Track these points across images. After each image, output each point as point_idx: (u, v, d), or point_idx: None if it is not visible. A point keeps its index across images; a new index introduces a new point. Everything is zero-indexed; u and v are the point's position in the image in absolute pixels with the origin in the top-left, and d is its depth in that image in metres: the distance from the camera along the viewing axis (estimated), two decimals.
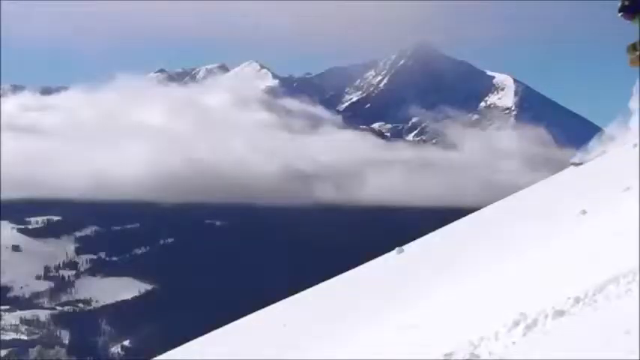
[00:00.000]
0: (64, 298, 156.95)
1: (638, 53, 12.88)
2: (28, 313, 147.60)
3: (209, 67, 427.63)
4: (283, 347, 8.04)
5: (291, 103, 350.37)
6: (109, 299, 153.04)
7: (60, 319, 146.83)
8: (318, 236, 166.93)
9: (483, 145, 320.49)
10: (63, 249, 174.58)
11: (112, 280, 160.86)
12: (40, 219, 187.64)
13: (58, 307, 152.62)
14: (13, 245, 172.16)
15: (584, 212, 7.48)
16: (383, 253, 11.74)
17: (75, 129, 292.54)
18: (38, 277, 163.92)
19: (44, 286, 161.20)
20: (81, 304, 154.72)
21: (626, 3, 12.86)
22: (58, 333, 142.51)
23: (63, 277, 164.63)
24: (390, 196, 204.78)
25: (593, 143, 13.57)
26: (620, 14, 12.94)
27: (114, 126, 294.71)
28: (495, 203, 12.74)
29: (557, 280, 5.44)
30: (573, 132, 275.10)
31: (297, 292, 11.50)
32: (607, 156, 11.75)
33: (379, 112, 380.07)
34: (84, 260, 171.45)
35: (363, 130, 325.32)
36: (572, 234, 6.84)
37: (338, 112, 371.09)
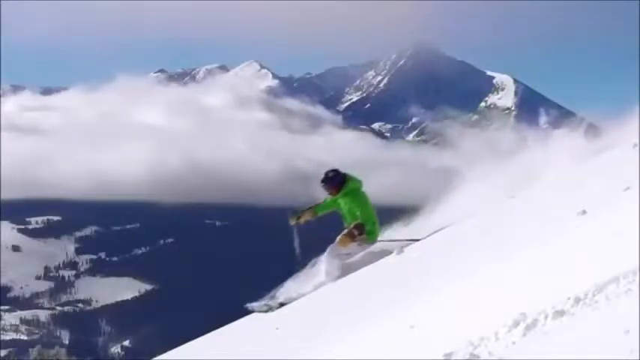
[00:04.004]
0: (64, 298, 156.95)
1: (300, 218, 12.70)
2: (28, 313, 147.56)
3: (209, 67, 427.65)
4: (282, 348, 8.05)
5: (291, 103, 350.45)
6: (109, 299, 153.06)
7: (60, 319, 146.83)
8: (318, 236, 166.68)
9: (483, 145, 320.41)
10: (63, 249, 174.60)
11: (112, 280, 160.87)
12: (40, 219, 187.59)
13: (58, 307, 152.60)
14: (13, 245, 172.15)
15: (584, 212, 7.47)
16: None
17: (75, 129, 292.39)
18: (38, 277, 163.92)
19: (44, 286, 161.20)
20: (81, 304, 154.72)
21: (330, 174, 12.62)
22: (58, 333, 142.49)
23: (63, 277, 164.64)
24: (390, 196, 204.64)
25: (288, 284, 11.99)
26: (322, 184, 12.62)
27: (114, 126, 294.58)
28: (495, 204, 12.72)
29: (557, 280, 5.44)
30: None
31: None
32: (607, 156, 11.74)
33: (379, 112, 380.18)
34: (84, 260, 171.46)
35: (363, 130, 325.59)
36: (572, 234, 6.84)
37: (338, 112, 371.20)
